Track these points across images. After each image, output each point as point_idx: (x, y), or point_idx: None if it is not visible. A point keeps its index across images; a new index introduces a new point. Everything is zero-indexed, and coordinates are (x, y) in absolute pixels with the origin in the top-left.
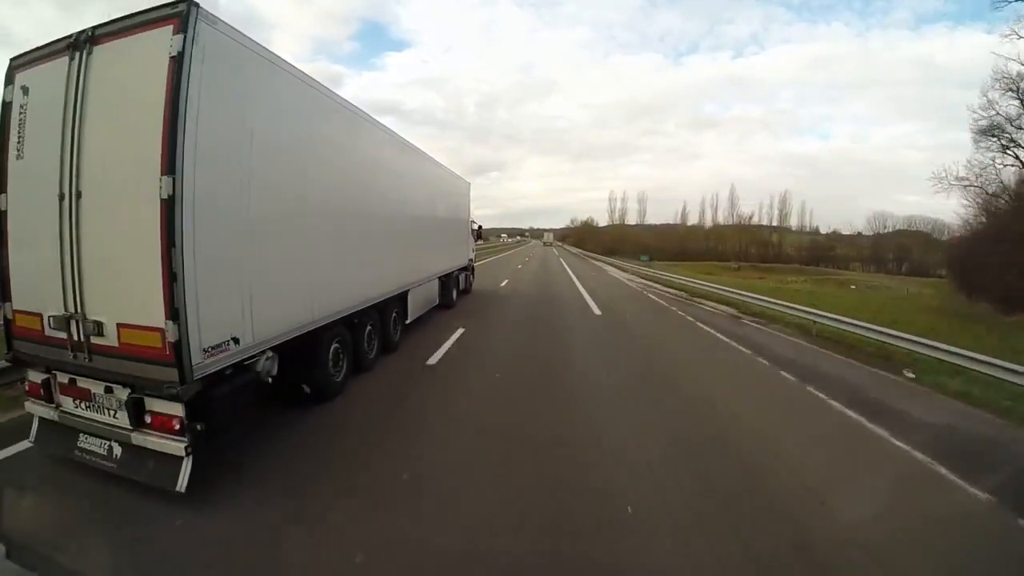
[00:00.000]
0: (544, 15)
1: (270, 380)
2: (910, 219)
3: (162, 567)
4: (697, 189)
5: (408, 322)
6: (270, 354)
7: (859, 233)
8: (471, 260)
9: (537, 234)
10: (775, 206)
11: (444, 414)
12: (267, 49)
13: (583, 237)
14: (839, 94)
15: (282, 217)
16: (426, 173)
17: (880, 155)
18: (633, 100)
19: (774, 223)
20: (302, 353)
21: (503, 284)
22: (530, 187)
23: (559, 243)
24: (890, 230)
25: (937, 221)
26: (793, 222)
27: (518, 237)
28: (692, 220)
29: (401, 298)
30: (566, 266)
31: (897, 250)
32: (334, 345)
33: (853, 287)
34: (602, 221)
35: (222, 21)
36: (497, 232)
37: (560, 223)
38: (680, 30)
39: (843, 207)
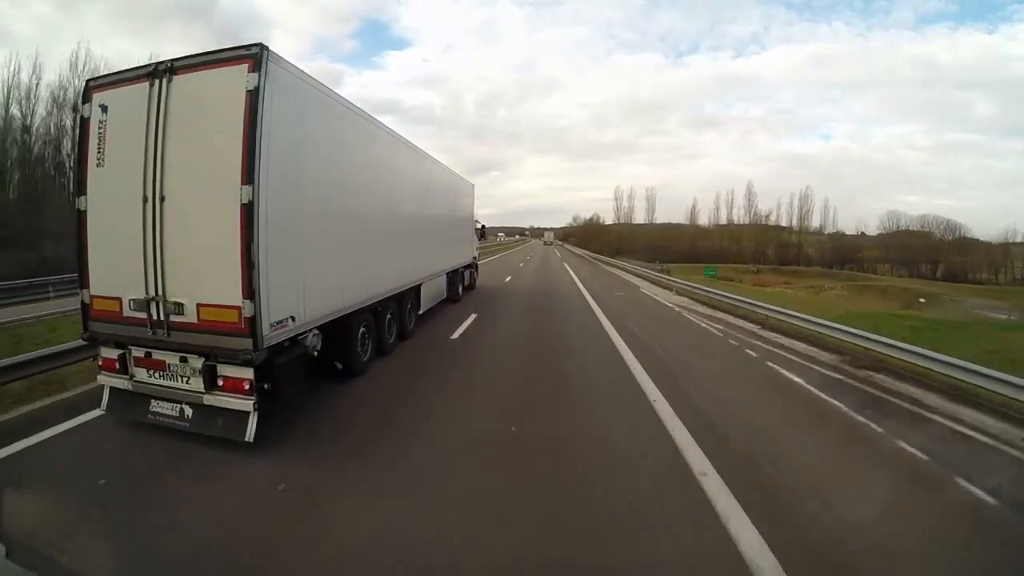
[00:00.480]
0: (544, 14)
1: (315, 354)
2: (923, 219)
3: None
4: (696, 188)
5: (420, 313)
6: (316, 332)
7: (880, 233)
8: (475, 258)
9: (537, 233)
10: (795, 204)
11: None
12: (319, 81)
13: (588, 236)
14: (839, 94)
15: (326, 220)
16: (438, 179)
17: (880, 155)
18: (634, 99)
19: (793, 222)
20: (336, 335)
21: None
22: (530, 186)
23: (560, 242)
24: (902, 229)
25: (950, 221)
26: (815, 221)
27: (517, 236)
28: (702, 219)
29: (415, 290)
30: (574, 277)
31: (931, 252)
32: (361, 329)
33: (923, 301)
34: (608, 219)
35: (284, 59)
36: (495, 231)
37: (560, 222)
38: (681, 29)
39: (844, 207)
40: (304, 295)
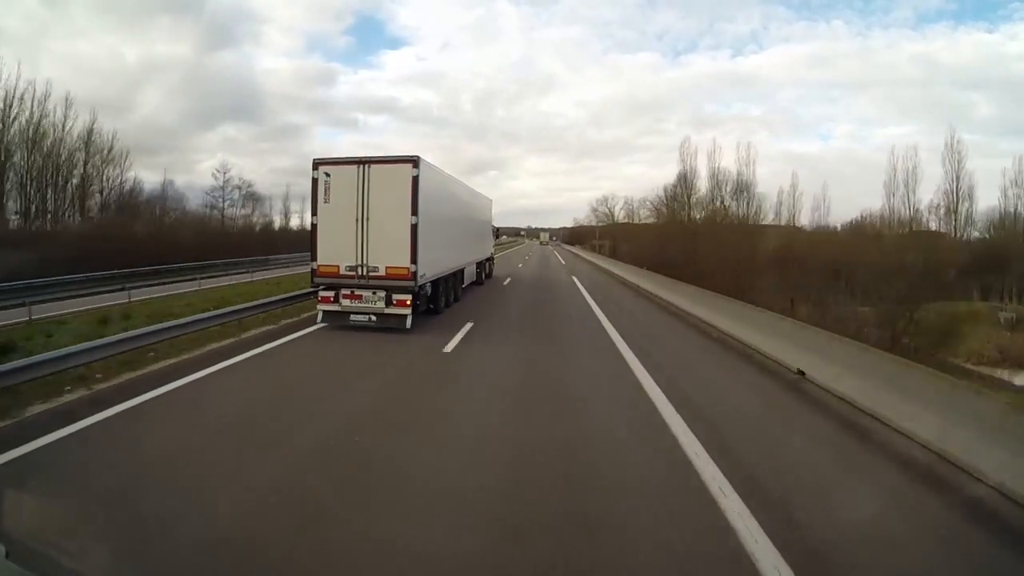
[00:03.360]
0: (541, 13)
1: (428, 294)
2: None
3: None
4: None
5: (463, 286)
6: (429, 283)
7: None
8: (492, 253)
9: (533, 234)
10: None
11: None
12: (436, 166)
13: (628, 237)
14: (839, 93)
15: (436, 229)
16: (473, 198)
17: (880, 155)
18: (632, 98)
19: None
20: (432, 289)
21: None
22: (528, 186)
23: (567, 246)
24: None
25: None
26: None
27: (505, 236)
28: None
29: (461, 271)
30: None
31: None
32: (441, 287)
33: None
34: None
35: (426, 160)
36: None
37: (558, 223)
38: (679, 28)
39: (844, 207)
40: (429, 265)
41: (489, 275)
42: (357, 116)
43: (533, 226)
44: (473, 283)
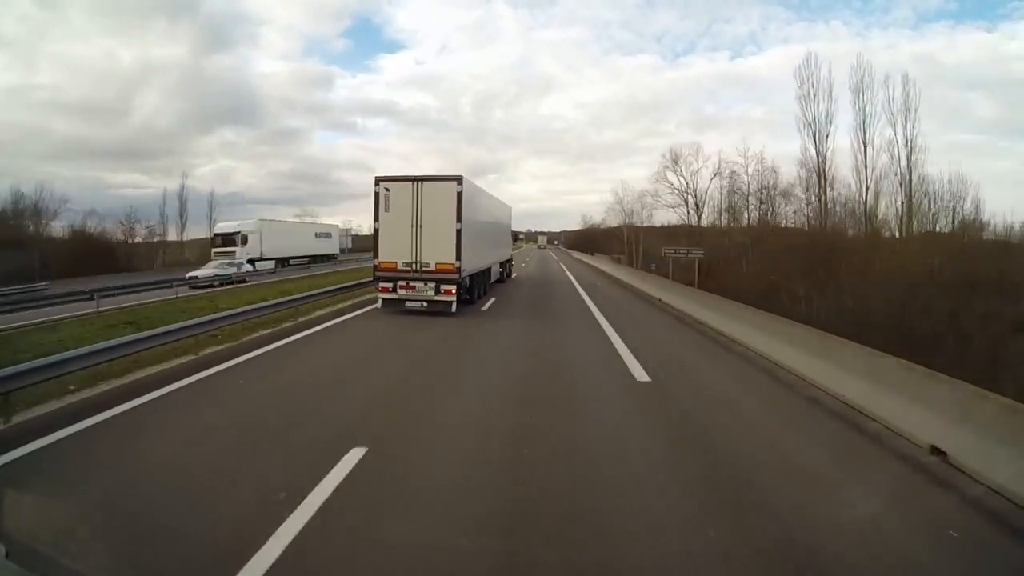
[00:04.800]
0: (539, 15)
1: (467, 286)
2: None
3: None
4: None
5: (490, 282)
6: (467, 278)
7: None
8: (511, 255)
9: (532, 237)
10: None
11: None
12: (475, 183)
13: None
14: (839, 92)
15: (473, 231)
16: (498, 207)
17: (881, 155)
18: (632, 100)
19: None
20: (469, 283)
21: None
22: (528, 189)
23: (577, 254)
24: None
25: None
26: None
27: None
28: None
29: (489, 269)
30: None
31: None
32: (475, 281)
33: None
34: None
35: (467, 178)
36: None
37: (559, 226)
38: (678, 30)
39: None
40: (468, 262)
41: (509, 275)
42: (356, 119)
43: (533, 229)
44: (496, 281)
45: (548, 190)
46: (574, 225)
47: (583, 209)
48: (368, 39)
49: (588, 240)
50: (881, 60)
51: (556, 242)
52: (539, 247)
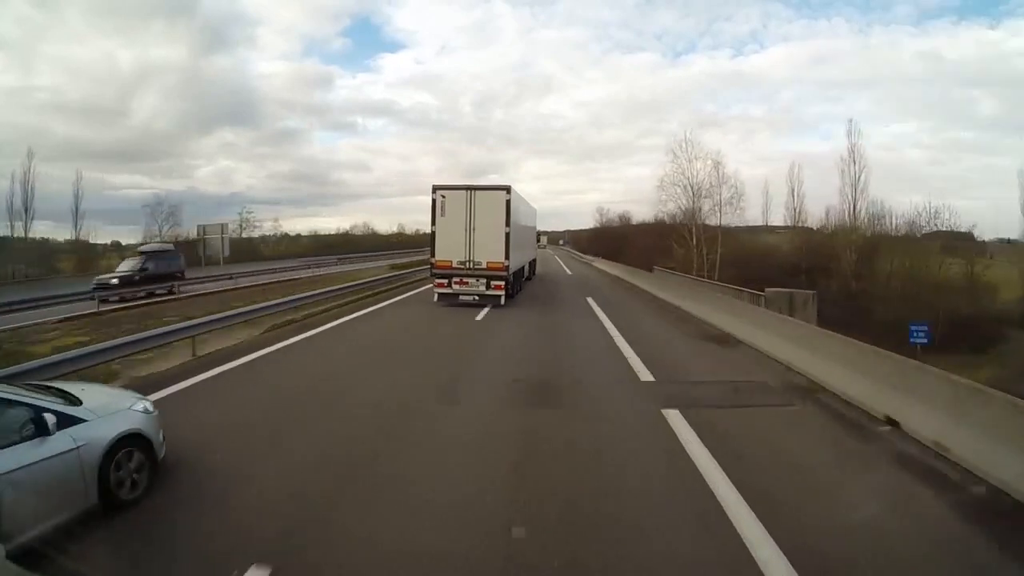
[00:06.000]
0: (539, 14)
1: (511, 281)
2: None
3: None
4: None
5: (524, 279)
6: (511, 275)
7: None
8: (536, 255)
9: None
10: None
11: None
12: (519, 193)
13: None
14: (839, 92)
15: (516, 234)
16: (528, 210)
17: (882, 153)
18: (632, 99)
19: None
20: (513, 279)
21: None
22: (529, 189)
23: (591, 258)
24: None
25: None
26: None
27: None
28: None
29: (523, 268)
30: None
31: None
32: (516, 278)
33: None
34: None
35: (514, 189)
36: None
37: (560, 226)
38: (678, 29)
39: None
40: (513, 261)
41: (534, 273)
42: (356, 119)
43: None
44: (525, 278)
45: (549, 190)
46: (577, 224)
47: (582, 209)
48: (368, 39)
49: (612, 240)
50: (882, 58)
51: (562, 242)
52: (540, 247)
